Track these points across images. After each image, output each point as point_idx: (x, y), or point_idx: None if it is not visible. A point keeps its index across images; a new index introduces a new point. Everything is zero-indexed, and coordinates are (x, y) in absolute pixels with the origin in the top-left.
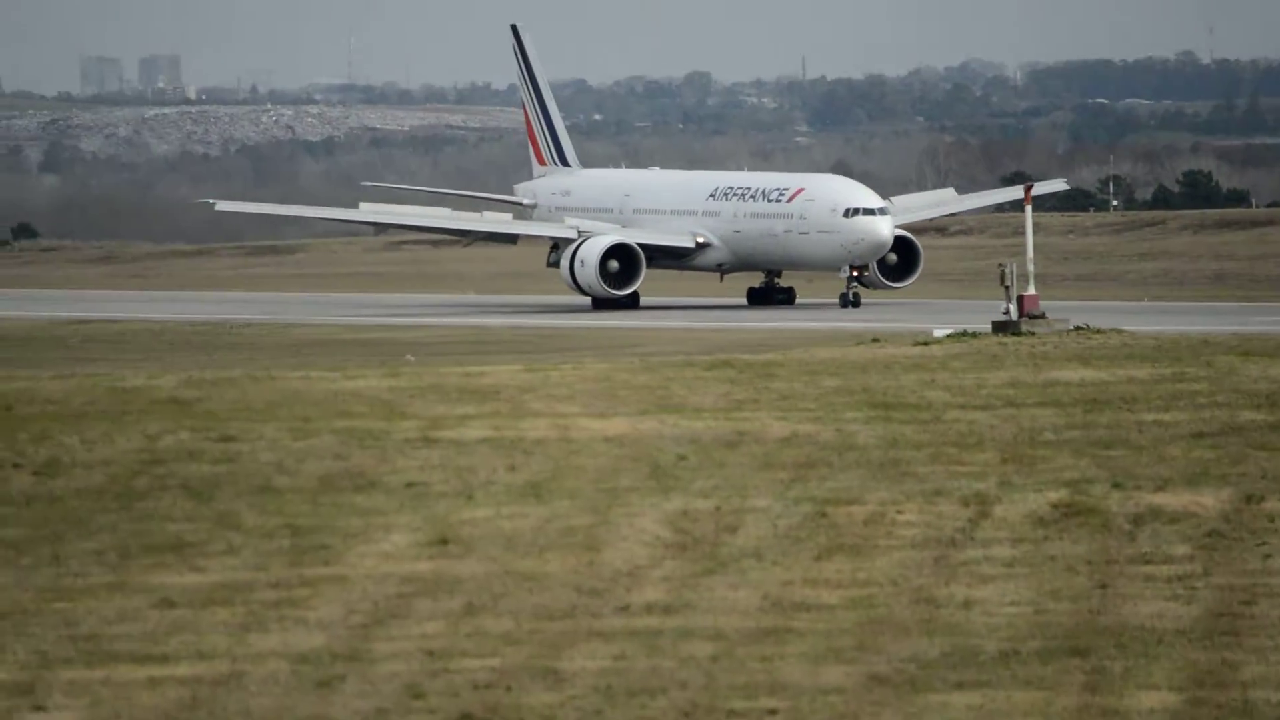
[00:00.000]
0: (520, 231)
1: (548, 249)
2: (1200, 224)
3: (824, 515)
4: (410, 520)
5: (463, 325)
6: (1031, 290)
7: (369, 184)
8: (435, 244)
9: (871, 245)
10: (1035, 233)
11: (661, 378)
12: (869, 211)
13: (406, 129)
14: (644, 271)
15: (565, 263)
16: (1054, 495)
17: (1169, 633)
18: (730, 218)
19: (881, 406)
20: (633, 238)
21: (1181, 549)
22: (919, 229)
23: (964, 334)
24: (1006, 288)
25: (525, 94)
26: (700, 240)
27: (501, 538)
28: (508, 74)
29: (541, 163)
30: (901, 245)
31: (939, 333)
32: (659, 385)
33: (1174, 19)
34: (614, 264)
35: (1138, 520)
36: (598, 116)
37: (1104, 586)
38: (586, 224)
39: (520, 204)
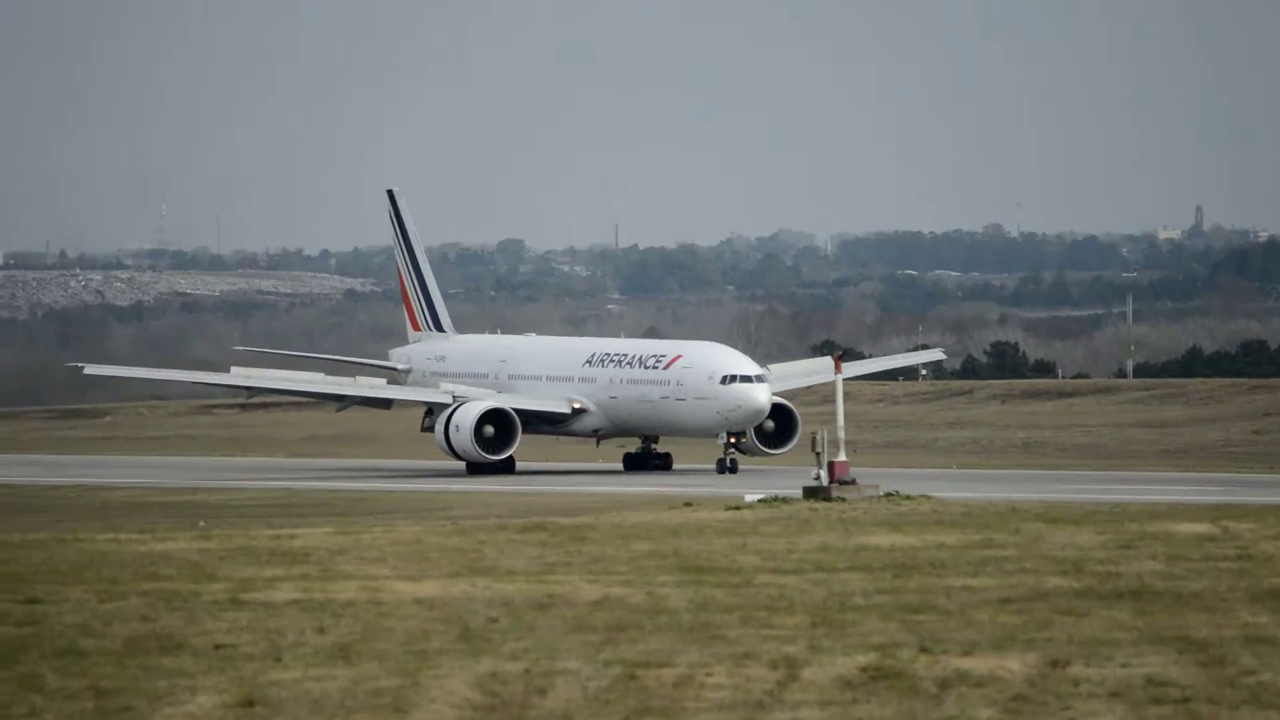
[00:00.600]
0: (395, 396)
1: (421, 414)
2: (1007, 394)
3: (634, 678)
4: (217, 682)
5: (273, 488)
6: (842, 457)
7: (241, 348)
8: (244, 407)
9: (749, 412)
10: (846, 400)
11: (473, 540)
12: (746, 379)
13: (217, 294)
14: (519, 437)
15: (440, 428)
16: (862, 659)
17: None
18: (606, 384)
19: (693, 570)
20: (508, 403)
21: (987, 713)
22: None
23: (775, 499)
24: (818, 454)
25: (401, 259)
26: (576, 406)
27: (309, 700)
28: (319, 239)
29: (416, 328)
30: (779, 412)
31: (751, 497)
32: (471, 548)
33: (982, 193)
34: (489, 429)
35: (944, 684)
36: None
37: None
38: (462, 389)
39: (394, 369)
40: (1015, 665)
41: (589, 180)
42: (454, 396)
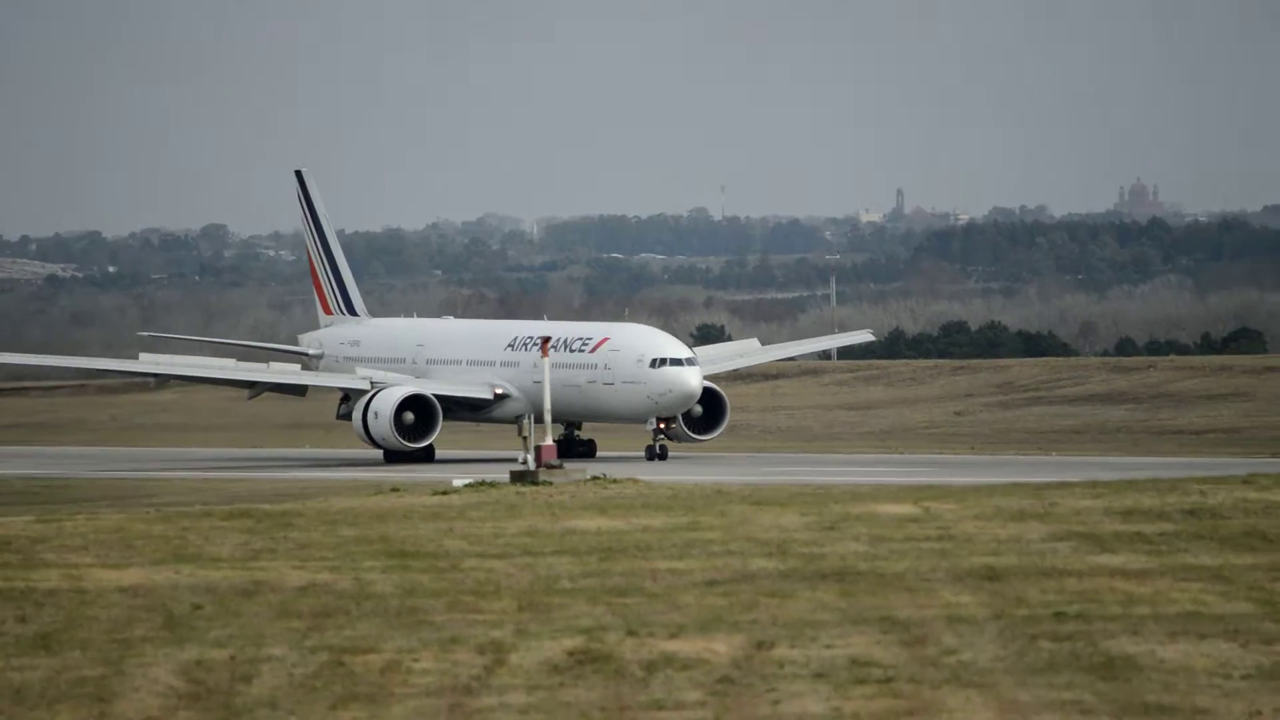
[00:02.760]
0: (310, 383)
1: (337, 400)
2: (713, 377)
3: (341, 664)
4: None
5: None
6: (549, 441)
7: (145, 334)
8: None
9: (680, 396)
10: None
11: (178, 528)
12: (677, 362)
13: None
14: (440, 423)
15: (358, 415)
16: (569, 642)
17: None
18: (530, 368)
19: (399, 555)
20: (428, 389)
21: (694, 695)
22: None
23: (483, 484)
24: (524, 439)
25: (310, 241)
26: (499, 391)
27: (10, 689)
28: (19, 224)
29: (328, 312)
30: (707, 396)
31: (458, 482)
32: (175, 535)
33: (686, 178)
34: (409, 416)
35: (651, 667)
36: (111, 269)
37: None
38: (379, 375)
39: (305, 354)
40: (721, 647)
41: (291, 164)
42: (371, 382)
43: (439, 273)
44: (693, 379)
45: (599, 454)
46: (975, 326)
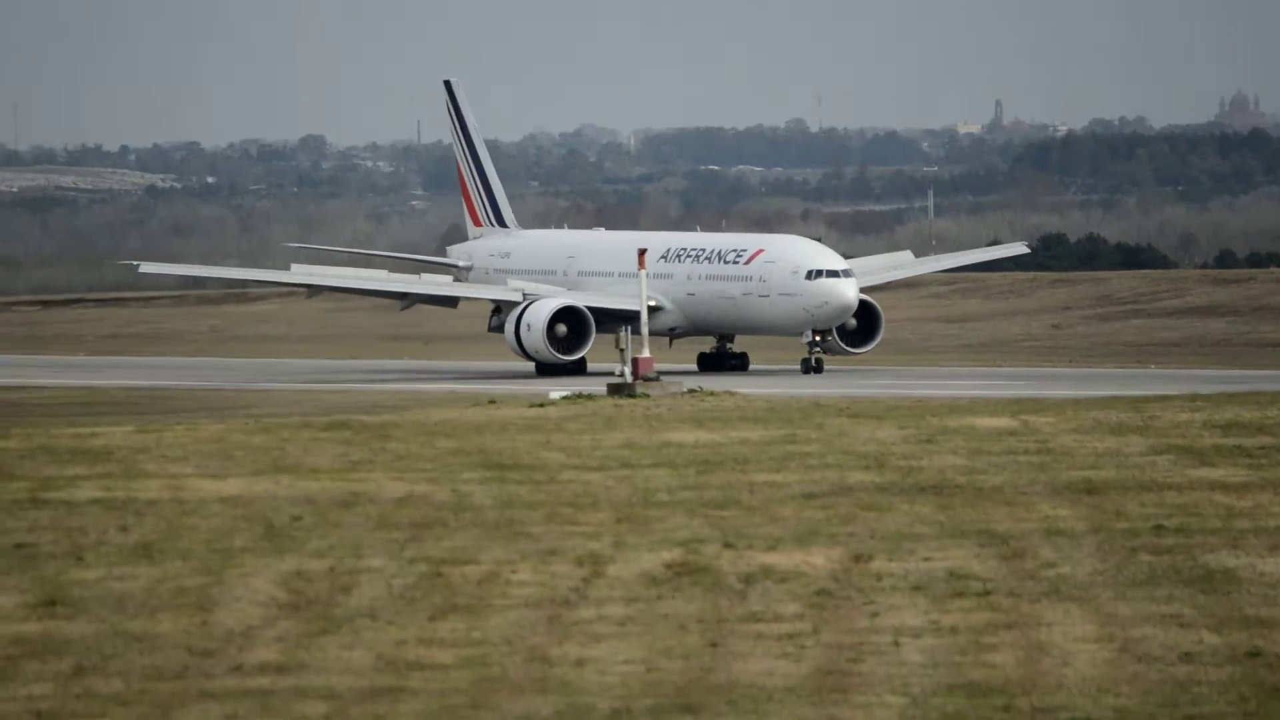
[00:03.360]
0: (462, 294)
1: (489, 313)
2: (867, 289)
3: (439, 575)
4: (18, 582)
5: (75, 386)
6: (646, 353)
7: (294, 245)
8: (45, 305)
9: (837, 309)
10: None
11: (276, 439)
12: (833, 274)
13: (15, 190)
14: (593, 336)
15: (510, 327)
16: (667, 555)
17: (779, 690)
18: (683, 280)
19: (497, 467)
20: (581, 301)
21: (792, 607)
22: None
23: (579, 396)
24: (621, 350)
25: (460, 153)
26: (652, 303)
27: (112, 598)
28: (119, 135)
29: (477, 224)
30: (861, 309)
31: (555, 394)
32: (274, 446)
33: (782, 89)
34: (562, 328)
35: (749, 579)
36: (210, 179)
37: (715, 645)
38: (531, 287)
39: (455, 266)
40: (819, 560)
41: (390, 75)
42: (524, 294)
43: (535, 184)
44: (850, 291)
45: (751, 367)
46: (1074, 238)
